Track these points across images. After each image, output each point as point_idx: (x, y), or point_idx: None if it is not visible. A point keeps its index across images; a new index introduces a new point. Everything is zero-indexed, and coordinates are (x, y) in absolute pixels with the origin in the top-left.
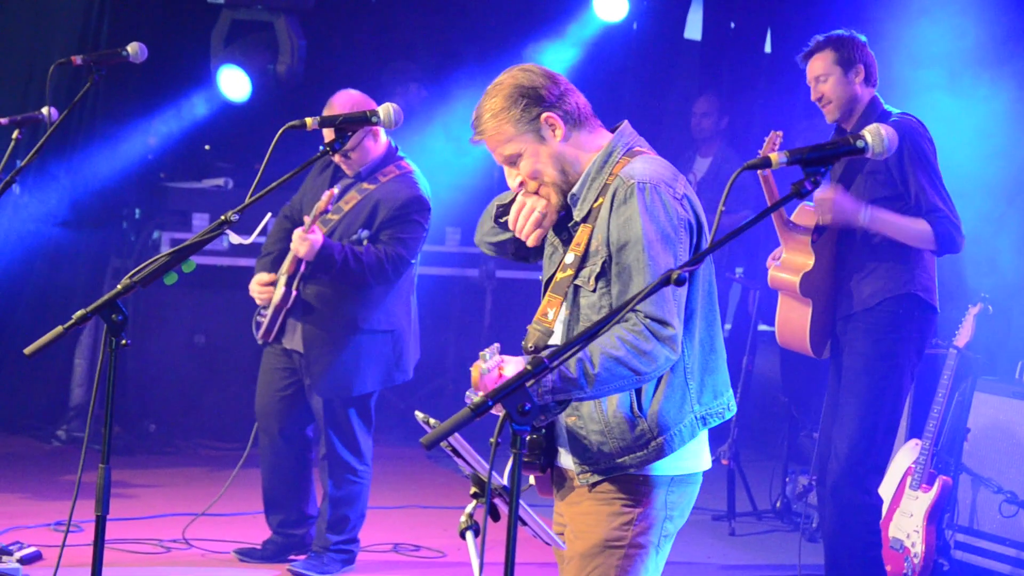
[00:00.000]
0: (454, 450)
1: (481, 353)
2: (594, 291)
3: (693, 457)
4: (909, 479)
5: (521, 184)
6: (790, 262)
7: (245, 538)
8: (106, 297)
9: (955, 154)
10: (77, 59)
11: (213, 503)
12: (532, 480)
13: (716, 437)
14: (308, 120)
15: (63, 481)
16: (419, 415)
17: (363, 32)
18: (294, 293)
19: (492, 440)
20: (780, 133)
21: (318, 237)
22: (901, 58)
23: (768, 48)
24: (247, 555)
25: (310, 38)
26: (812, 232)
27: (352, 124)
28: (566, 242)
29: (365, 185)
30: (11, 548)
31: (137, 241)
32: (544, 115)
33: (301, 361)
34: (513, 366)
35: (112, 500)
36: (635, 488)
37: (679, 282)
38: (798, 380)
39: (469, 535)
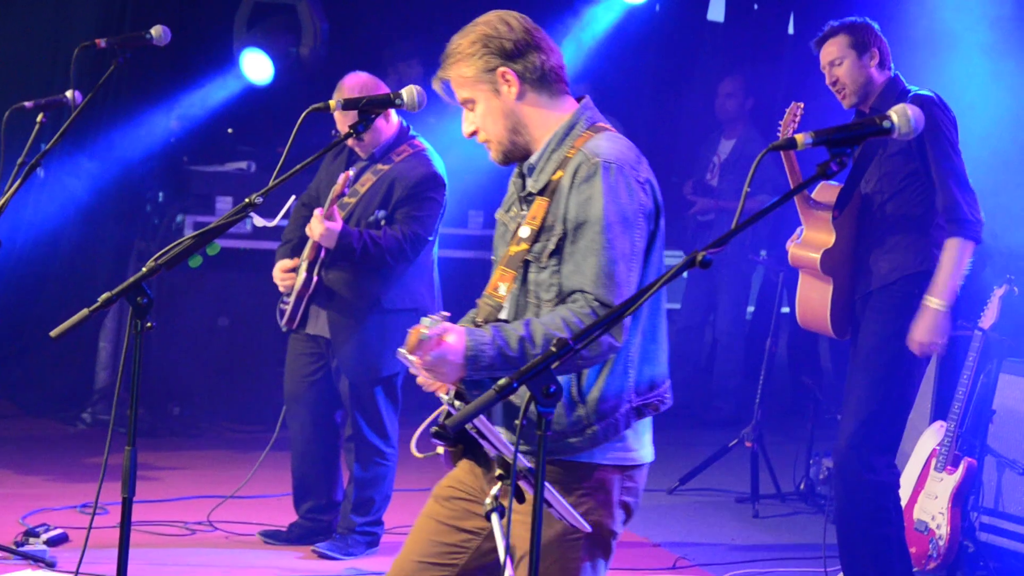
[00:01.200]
0: (479, 432)
1: (423, 319)
2: (545, 268)
3: (643, 447)
4: (934, 461)
5: (472, 133)
6: (811, 239)
7: (270, 520)
8: (132, 280)
9: (989, 123)
10: (101, 42)
11: (241, 486)
12: (440, 450)
13: (739, 419)
14: (331, 103)
15: (88, 463)
16: (444, 397)
17: (386, 14)
18: (315, 279)
19: (517, 422)
20: (801, 105)
21: (337, 224)
22: (924, 39)
23: (791, 30)
24: (272, 537)
25: (332, 20)
26: (833, 208)
27: (376, 106)
28: (517, 216)
29: (379, 166)
30: (38, 530)
31: (160, 224)
32: (501, 69)
33: (327, 346)
34: (455, 336)
35: (137, 482)
36: (588, 475)
37: (704, 264)
38: (822, 361)
39: (494, 516)
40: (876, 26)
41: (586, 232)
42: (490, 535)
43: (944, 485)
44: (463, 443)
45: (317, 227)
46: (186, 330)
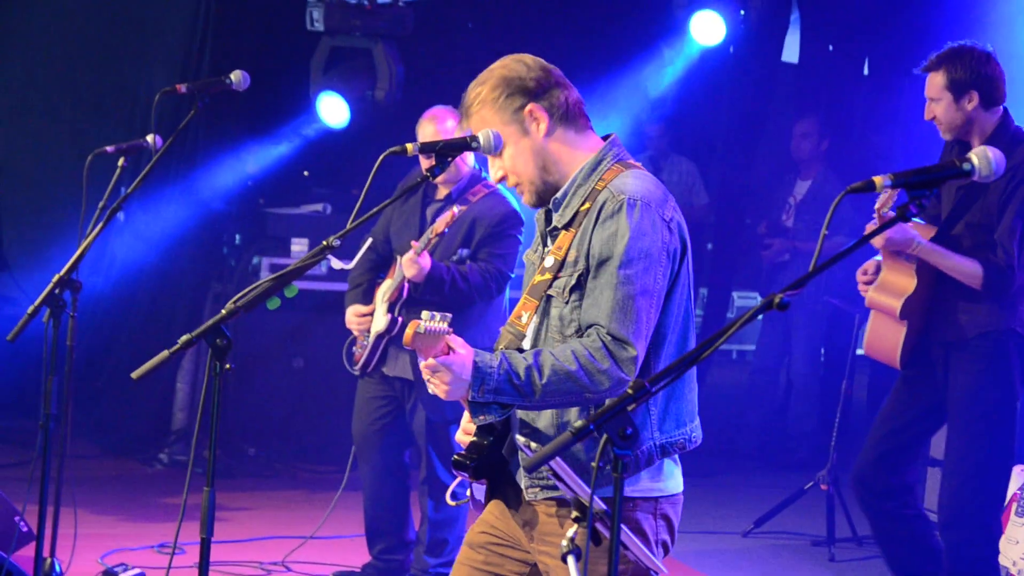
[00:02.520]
0: (555, 474)
1: (423, 312)
2: (567, 303)
3: (669, 478)
4: (1014, 506)
5: (501, 178)
6: (891, 284)
7: (344, 561)
8: (211, 322)
9: None
10: (182, 87)
11: (318, 528)
12: (469, 493)
13: (814, 462)
14: (409, 146)
15: (165, 504)
16: (520, 438)
17: (460, 57)
18: (399, 319)
19: (594, 464)
20: (894, 192)
21: (427, 260)
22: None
23: (866, 70)
24: None
25: (408, 64)
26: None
27: (453, 150)
28: (542, 253)
29: (457, 207)
30: (116, 569)
31: (237, 266)
32: (529, 107)
33: (404, 387)
34: (464, 352)
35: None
36: (624, 514)
37: (781, 307)
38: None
39: (571, 559)
40: (988, 51)
41: (607, 268)
42: None
43: None
44: (486, 476)
45: (409, 266)
46: (261, 371)
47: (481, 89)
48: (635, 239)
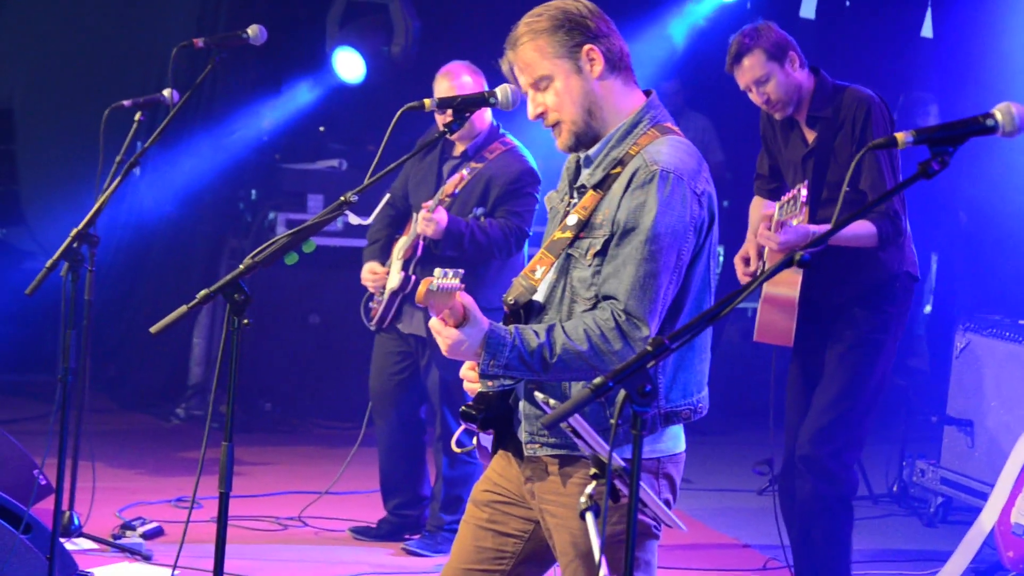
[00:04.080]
0: (574, 431)
1: (436, 270)
2: (589, 266)
3: (670, 439)
4: None
5: (540, 115)
6: (783, 277)
7: (360, 517)
8: (229, 277)
9: None
10: (199, 41)
11: (333, 484)
12: (475, 441)
13: None
14: (427, 101)
15: (182, 459)
16: (539, 395)
17: (477, 12)
18: (412, 277)
19: (612, 421)
20: (805, 183)
21: (443, 215)
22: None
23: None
24: (362, 534)
25: (424, 19)
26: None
27: (471, 106)
28: (568, 204)
29: (473, 164)
30: (134, 523)
31: (253, 222)
32: (587, 46)
33: (418, 344)
34: (480, 322)
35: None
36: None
37: (802, 264)
38: (915, 362)
39: (589, 516)
40: (770, 23)
41: (632, 239)
42: (533, 536)
43: None
44: (493, 427)
45: (425, 224)
46: (278, 327)
47: (539, 20)
48: (663, 214)
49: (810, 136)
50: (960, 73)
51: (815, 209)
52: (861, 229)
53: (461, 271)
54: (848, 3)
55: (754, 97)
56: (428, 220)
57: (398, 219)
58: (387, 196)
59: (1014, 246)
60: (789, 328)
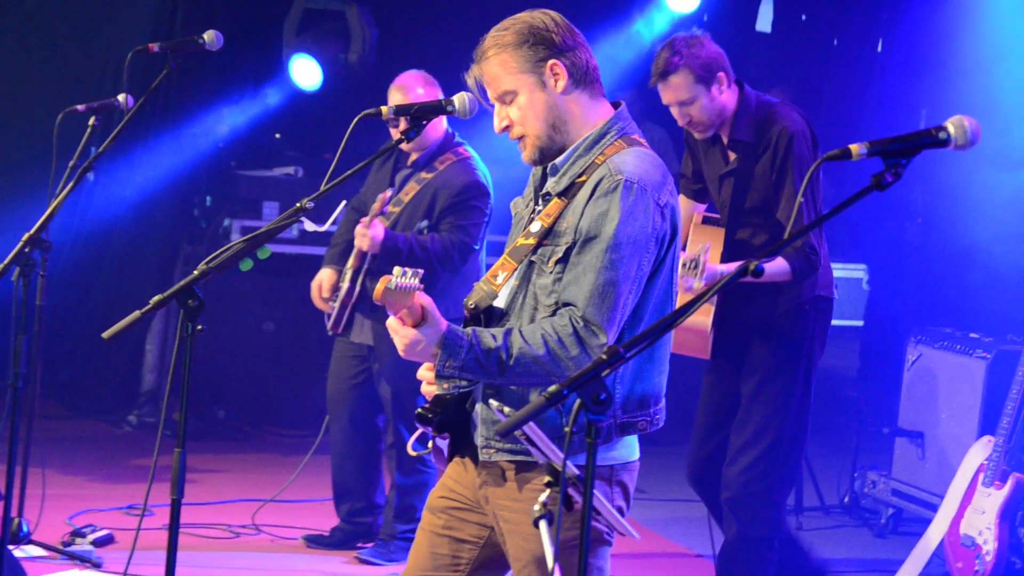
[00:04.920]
0: (528, 439)
1: (395, 268)
2: (550, 274)
3: (623, 447)
4: (982, 476)
5: (505, 128)
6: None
7: (313, 525)
8: (183, 282)
9: None
10: (155, 46)
11: (283, 489)
12: (431, 445)
13: None
14: (384, 108)
15: (134, 465)
16: (493, 403)
17: (435, 21)
18: (358, 289)
19: (567, 429)
20: (707, 247)
21: (379, 231)
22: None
23: (836, 42)
24: (315, 542)
25: (382, 27)
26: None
27: (428, 113)
28: (532, 211)
29: (423, 175)
30: (84, 530)
31: (208, 228)
32: (552, 61)
33: (370, 352)
34: (437, 324)
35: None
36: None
37: (756, 273)
38: (868, 373)
39: (543, 524)
40: (702, 36)
41: (594, 247)
42: (488, 542)
43: (992, 500)
44: (449, 431)
45: (360, 239)
46: (232, 334)
47: (504, 34)
48: (625, 223)
49: (731, 155)
50: (911, 87)
51: (732, 231)
52: (775, 267)
53: (420, 271)
54: (804, 17)
55: (675, 114)
56: (363, 235)
57: None
58: (343, 204)
59: (964, 257)
60: (705, 346)
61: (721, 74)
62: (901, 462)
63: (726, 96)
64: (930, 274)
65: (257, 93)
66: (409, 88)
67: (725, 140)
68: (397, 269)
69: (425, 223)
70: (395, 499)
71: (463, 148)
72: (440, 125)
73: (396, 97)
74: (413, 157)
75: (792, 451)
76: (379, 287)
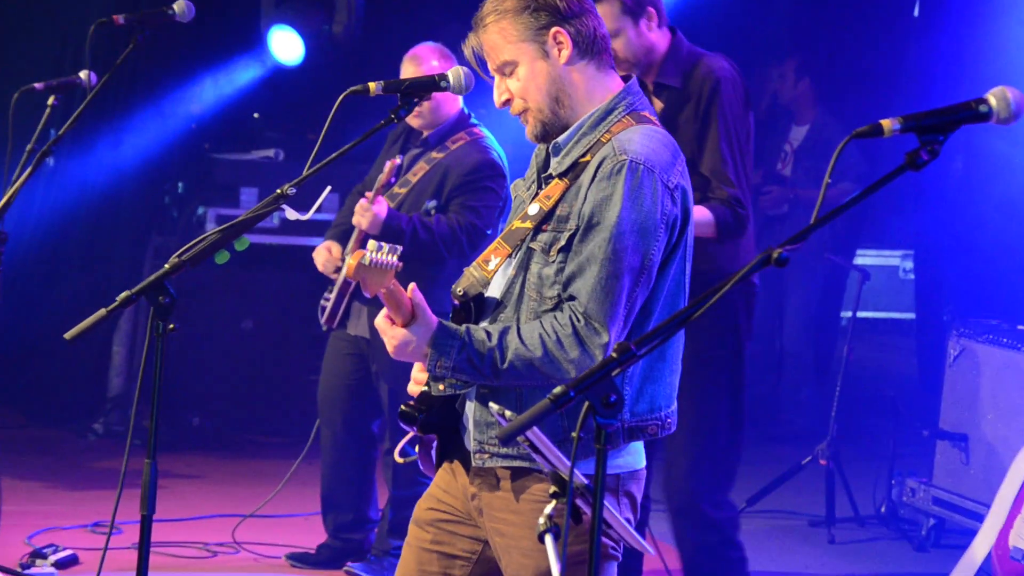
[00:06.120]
0: (532, 445)
1: (370, 242)
2: (551, 263)
3: (629, 454)
4: None
5: (506, 102)
6: None
7: (298, 542)
8: (153, 277)
9: None
10: (119, 18)
11: (265, 503)
12: (417, 449)
13: (814, 434)
14: (371, 85)
15: (100, 478)
16: (494, 407)
17: None
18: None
19: (574, 434)
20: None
21: (382, 208)
22: None
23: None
24: (300, 560)
25: None
26: None
27: (420, 90)
28: (534, 195)
29: (434, 154)
30: (45, 551)
31: (180, 217)
32: (555, 29)
33: (368, 347)
34: (427, 322)
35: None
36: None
37: (780, 262)
38: (906, 371)
39: (548, 538)
40: None
41: (596, 235)
42: (481, 557)
43: None
44: (436, 433)
45: (361, 215)
46: (207, 333)
47: (505, 1)
48: (630, 208)
49: (657, 105)
50: (951, 55)
51: None
52: (697, 216)
53: (399, 248)
54: None
55: None
56: (364, 211)
57: None
58: (327, 190)
59: (1010, 243)
60: None
61: (651, 9)
62: (943, 468)
63: (655, 35)
64: (974, 261)
65: (233, 68)
66: (423, 59)
67: (651, 86)
68: (372, 243)
69: (433, 203)
70: (390, 512)
71: (478, 128)
72: (454, 103)
73: (408, 69)
74: (424, 135)
75: (730, 448)
76: (351, 262)
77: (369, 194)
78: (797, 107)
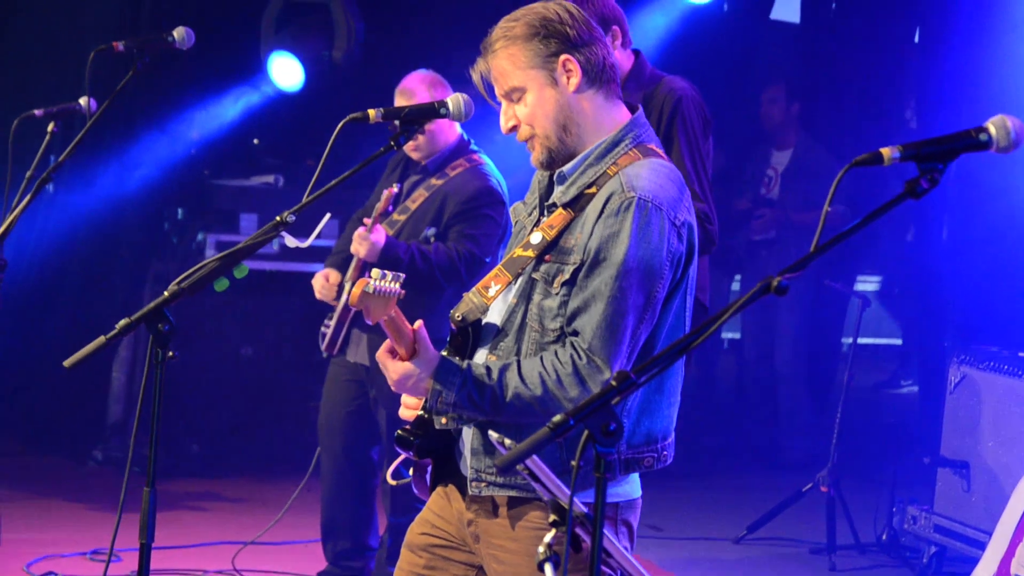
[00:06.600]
0: (531, 473)
1: (373, 271)
2: (555, 295)
3: (625, 483)
4: None
5: (513, 128)
6: None
7: (298, 569)
8: (152, 305)
9: None
10: (119, 45)
11: (266, 530)
12: (411, 472)
13: (814, 462)
14: (371, 112)
15: (99, 506)
16: (493, 435)
17: (426, 12)
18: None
19: (574, 463)
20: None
21: (380, 236)
22: None
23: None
24: None
25: (368, 20)
26: None
27: (420, 117)
28: (536, 222)
29: (433, 181)
30: None
31: (180, 244)
32: (564, 56)
33: (366, 374)
34: (429, 357)
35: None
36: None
37: (780, 291)
38: (907, 397)
39: (548, 567)
40: None
41: (602, 272)
42: None
43: None
44: (432, 458)
45: (359, 243)
46: (206, 360)
47: (514, 25)
48: (637, 246)
49: None
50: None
51: None
52: None
53: (402, 275)
54: (834, 5)
55: None
56: (363, 239)
57: None
58: (327, 216)
59: (1010, 267)
60: None
61: (616, 28)
62: (944, 495)
63: (619, 55)
64: (973, 287)
65: (233, 94)
66: (414, 93)
67: None
68: (376, 271)
69: (432, 230)
70: (389, 540)
71: (477, 155)
72: (452, 129)
73: (400, 103)
74: (423, 163)
75: None
76: (355, 290)
77: (368, 221)
78: (781, 131)
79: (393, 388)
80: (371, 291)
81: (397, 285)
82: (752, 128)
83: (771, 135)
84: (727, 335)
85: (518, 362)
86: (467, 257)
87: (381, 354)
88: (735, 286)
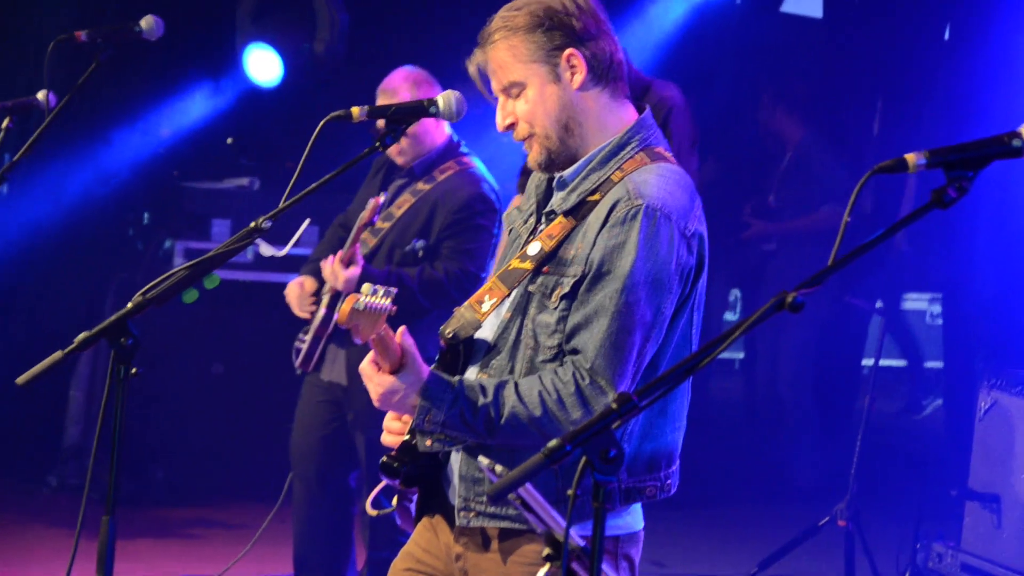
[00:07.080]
0: (524, 503)
1: (364, 286)
2: (553, 309)
3: (627, 515)
4: None
5: (510, 126)
6: None
7: None
8: (114, 317)
9: None
10: (81, 35)
11: (234, 563)
12: (395, 502)
13: (829, 492)
14: (355, 110)
15: (54, 536)
16: (484, 461)
17: (414, 2)
18: (335, 317)
19: (570, 492)
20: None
21: (354, 272)
22: None
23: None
24: None
25: (353, 11)
26: None
27: (407, 116)
28: (533, 230)
29: (420, 185)
30: None
31: (146, 251)
32: (569, 51)
33: (344, 394)
34: (418, 373)
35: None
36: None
37: (795, 308)
38: (932, 424)
39: None
40: None
41: (606, 286)
42: None
43: None
44: (418, 486)
45: (331, 276)
46: (172, 378)
47: (516, 15)
48: (645, 259)
49: None
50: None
51: None
52: None
53: (393, 290)
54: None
55: None
56: (333, 274)
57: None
58: (305, 222)
59: None
60: None
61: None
62: (972, 531)
63: None
64: (1005, 306)
65: (205, 90)
66: (396, 92)
67: None
68: (366, 286)
69: (422, 243)
70: (368, 573)
71: (468, 158)
72: (441, 130)
73: (383, 101)
74: (409, 166)
75: None
76: (345, 307)
77: (341, 253)
78: (781, 134)
79: (376, 404)
80: (361, 308)
81: (388, 301)
82: (760, 129)
83: (772, 141)
84: (740, 355)
85: (515, 381)
86: (459, 276)
87: (365, 366)
88: (731, 298)
